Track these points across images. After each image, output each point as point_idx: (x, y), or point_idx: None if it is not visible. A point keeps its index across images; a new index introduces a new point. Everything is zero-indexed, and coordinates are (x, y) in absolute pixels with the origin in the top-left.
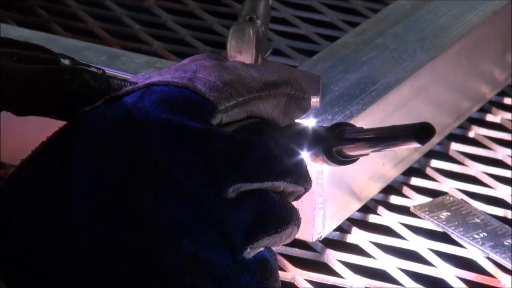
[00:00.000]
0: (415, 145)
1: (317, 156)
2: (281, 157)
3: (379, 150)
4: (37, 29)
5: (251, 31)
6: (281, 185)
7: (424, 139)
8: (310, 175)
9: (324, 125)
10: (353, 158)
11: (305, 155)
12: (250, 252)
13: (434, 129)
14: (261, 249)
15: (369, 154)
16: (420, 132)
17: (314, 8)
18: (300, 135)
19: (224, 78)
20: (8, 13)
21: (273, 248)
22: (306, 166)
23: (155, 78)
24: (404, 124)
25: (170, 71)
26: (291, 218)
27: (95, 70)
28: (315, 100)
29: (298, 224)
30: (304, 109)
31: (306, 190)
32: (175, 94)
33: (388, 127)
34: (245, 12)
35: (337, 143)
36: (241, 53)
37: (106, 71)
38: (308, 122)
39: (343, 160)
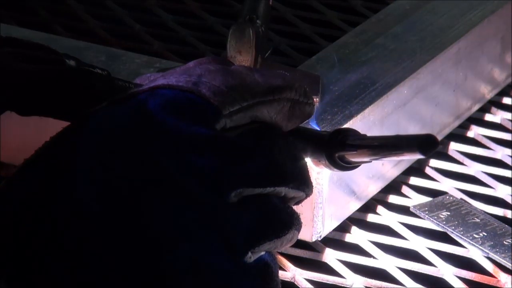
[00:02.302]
0: (419, 156)
1: (319, 161)
2: (284, 162)
3: (381, 159)
4: (38, 29)
5: (251, 31)
6: (283, 190)
7: (428, 151)
8: (311, 179)
9: (326, 130)
10: (355, 164)
11: (307, 160)
12: (251, 257)
13: (438, 142)
14: (262, 253)
15: (371, 161)
16: (424, 144)
17: (314, 8)
18: (303, 140)
19: (228, 82)
20: (8, 12)
21: None
22: (308, 172)
23: (160, 81)
24: (408, 134)
25: (175, 74)
26: (292, 223)
27: (99, 71)
28: (314, 100)
29: (299, 229)
30: (308, 114)
31: (307, 195)
32: (180, 98)
33: (392, 136)
34: (245, 12)
35: (339, 149)
36: (241, 53)
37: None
38: (311, 127)
39: (345, 166)
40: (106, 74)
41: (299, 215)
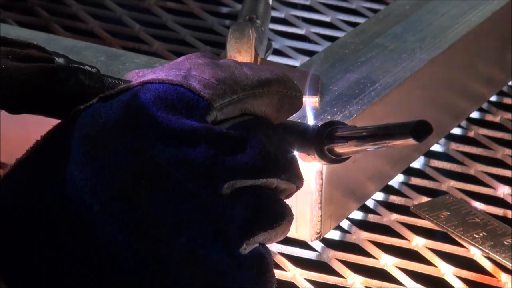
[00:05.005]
0: (412, 142)
1: (309, 154)
2: (275, 154)
3: (372, 148)
4: (38, 29)
5: (251, 31)
6: (275, 182)
7: (421, 137)
8: (303, 174)
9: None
10: (345, 156)
11: (296, 153)
12: (246, 248)
13: (431, 127)
14: (256, 245)
15: (362, 152)
16: (417, 129)
17: (314, 8)
18: (292, 133)
19: (218, 75)
20: (8, 13)
21: (274, 247)
22: (298, 164)
23: (150, 76)
24: (399, 122)
25: (164, 69)
26: (285, 214)
27: (89, 68)
28: (314, 100)
29: (291, 221)
30: (296, 107)
31: (298, 188)
32: (170, 91)
33: (382, 125)
34: (245, 12)
35: (328, 141)
36: (240, 53)
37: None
38: (301, 120)
39: (334, 158)
40: (96, 71)
41: (291, 208)
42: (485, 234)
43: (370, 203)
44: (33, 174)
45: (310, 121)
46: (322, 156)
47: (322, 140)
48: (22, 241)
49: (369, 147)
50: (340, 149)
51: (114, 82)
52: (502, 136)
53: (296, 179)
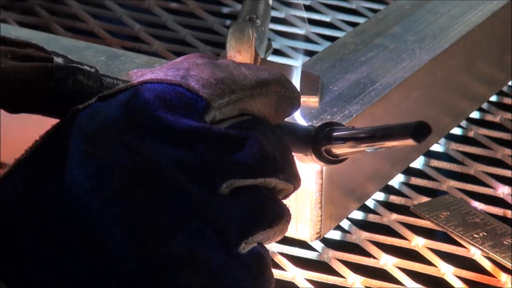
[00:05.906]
0: (411, 143)
1: (306, 155)
2: (273, 154)
3: (370, 149)
4: (38, 29)
5: (251, 31)
6: (272, 182)
7: (421, 138)
8: (302, 173)
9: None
10: (343, 157)
11: (294, 153)
12: (244, 248)
13: (430, 128)
14: (255, 244)
15: (360, 153)
16: (417, 130)
17: (314, 8)
18: (290, 134)
19: (216, 75)
20: (8, 13)
21: (274, 247)
22: (296, 164)
23: (148, 76)
24: (397, 123)
25: (163, 69)
26: (283, 213)
27: (88, 68)
28: (314, 100)
29: (289, 220)
30: (294, 108)
31: (295, 188)
32: (168, 91)
33: (381, 126)
34: (245, 12)
35: (326, 142)
36: (240, 53)
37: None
38: (299, 121)
39: (331, 159)
40: (94, 71)
41: (288, 207)
42: (485, 234)
43: (370, 203)
44: (32, 174)
45: (308, 121)
46: (319, 157)
47: (319, 141)
48: (21, 241)
49: (367, 148)
50: (338, 150)
51: (113, 82)
52: (502, 136)
53: (293, 180)
